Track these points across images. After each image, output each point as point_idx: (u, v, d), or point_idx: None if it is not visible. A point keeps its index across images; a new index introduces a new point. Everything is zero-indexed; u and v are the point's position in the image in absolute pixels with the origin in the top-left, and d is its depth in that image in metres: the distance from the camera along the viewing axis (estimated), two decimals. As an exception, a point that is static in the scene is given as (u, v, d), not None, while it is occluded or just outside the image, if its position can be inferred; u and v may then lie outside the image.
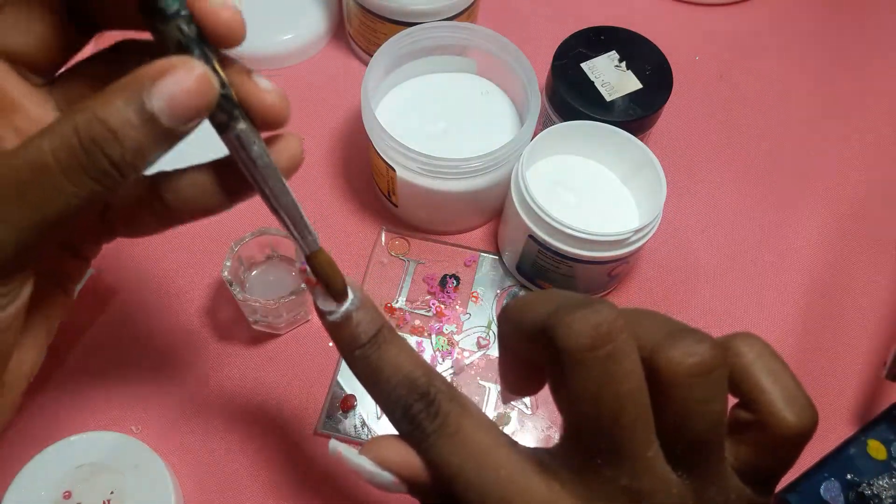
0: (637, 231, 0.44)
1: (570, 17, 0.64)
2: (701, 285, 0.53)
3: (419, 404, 0.25)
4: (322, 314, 0.27)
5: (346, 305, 0.27)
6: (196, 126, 0.24)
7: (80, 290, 0.48)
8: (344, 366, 0.48)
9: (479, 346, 0.49)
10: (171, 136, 0.23)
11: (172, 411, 0.46)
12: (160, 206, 0.28)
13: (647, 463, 0.22)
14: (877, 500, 0.42)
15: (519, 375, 0.28)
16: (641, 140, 0.47)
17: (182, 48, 0.23)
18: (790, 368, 0.24)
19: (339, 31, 0.62)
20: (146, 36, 0.25)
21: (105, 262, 0.50)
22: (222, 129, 0.25)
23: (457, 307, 0.51)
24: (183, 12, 0.23)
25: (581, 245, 0.44)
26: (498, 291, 0.52)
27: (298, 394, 0.47)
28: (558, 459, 0.23)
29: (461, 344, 0.49)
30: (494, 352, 0.49)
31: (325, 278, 0.27)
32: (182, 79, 0.22)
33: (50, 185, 0.22)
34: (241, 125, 0.25)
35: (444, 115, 0.51)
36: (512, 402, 0.30)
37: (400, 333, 0.48)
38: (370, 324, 0.27)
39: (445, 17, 0.53)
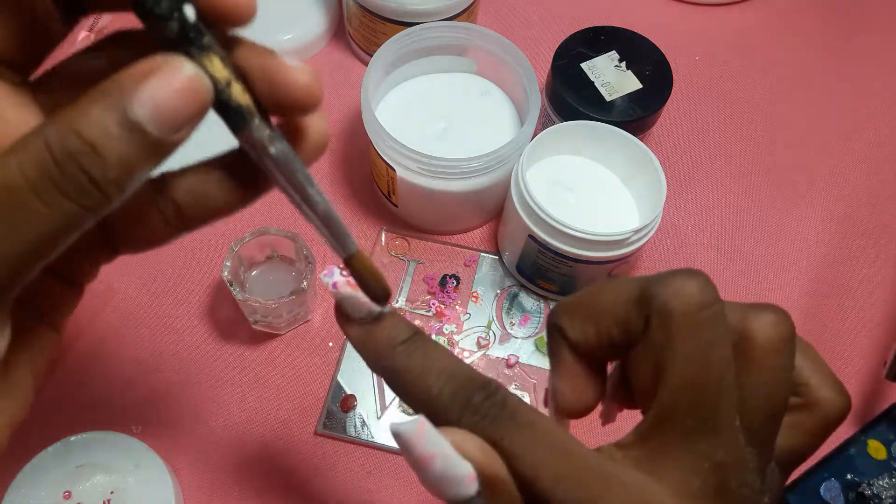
0: (637, 231, 0.44)
1: (570, 17, 0.64)
2: (701, 285, 0.53)
3: (481, 394, 0.22)
4: (350, 321, 0.25)
5: (380, 307, 0.25)
6: (189, 134, 0.21)
7: (80, 290, 0.48)
8: (344, 366, 0.48)
9: (479, 346, 0.49)
10: (161, 147, 0.20)
11: (172, 411, 0.46)
12: (171, 210, 0.25)
13: (735, 435, 0.21)
14: (877, 500, 0.42)
15: (579, 384, 0.25)
16: (641, 140, 0.47)
17: (172, 43, 0.20)
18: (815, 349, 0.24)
19: (339, 31, 0.62)
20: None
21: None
22: (235, 128, 0.22)
23: (457, 307, 0.51)
24: (172, 11, 0.20)
25: (581, 245, 0.44)
26: (498, 291, 0.52)
27: (298, 394, 0.47)
28: (633, 449, 0.22)
29: (461, 344, 0.49)
30: (494, 352, 0.49)
31: (367, 280, 0.25)
32: (168, 81, 0.20)
33: (20, 209, 0.19)
34: (255, 123, 0.22)
35: (444, 115, 0.51)
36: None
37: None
38: (407, 325, 0.25)
39: (445, 17, 0.53)
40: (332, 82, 0.59)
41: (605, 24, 0.53)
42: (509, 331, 0.50)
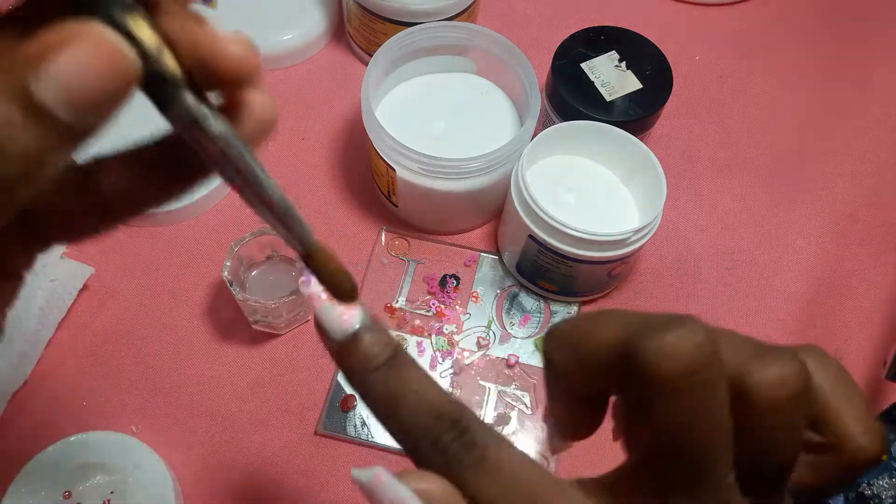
0: (637, 231, 0.44)
1: (570, 17, 0.64)
2: (700, 285, 0.53)
3: (450, 434, 0.21)
4: (325, 334, 0.23)
5: (356, 324, 0.22)
6: (111, 113, 0.17)
7: (80, 290, 0.48)
8: (344, 366, 0.48)
9: (479, 346, 0.49)
10: (75, 133, 0.17)
11: (172, 411, 0.46)
12: (96, 200, 0.22)
13: (727, 493, 0.20)
14: (877, 500, 0.42)
15: (575, 414, 0.24)
16: (641, 140, 0.47)
17: (88, 5, 0.17)
18: (860, 389, 0.23)
19: (339, 31, 0.62)
20: None
21: (105, 262, 0.50)
22: (165, 104, 0.19)
23: (457, 307, 0.51)
24: None
25: (581, 245, 0.44)
26: (498, 291, 0.52)
27: (298, 394, 0.47)
28: (615, 491, 0.21)
29: (461, 344, 0.49)
30: (494, 352, 0.49)
31: (329, 279, 0.23)
32: (81, 55, 0.16)
33: None
34: (187, 95, 0.18)
35: (444, 115, 0.51)
36: (559, 445, 0.27)
37: (400, 334, 0.49)
38: (385, 344, 0.22)
39: (445, 17, 0.53)
40: (332, 82, 0.59)
41: (605, 24, 0.53)
42: (509, 331, 0.50)
